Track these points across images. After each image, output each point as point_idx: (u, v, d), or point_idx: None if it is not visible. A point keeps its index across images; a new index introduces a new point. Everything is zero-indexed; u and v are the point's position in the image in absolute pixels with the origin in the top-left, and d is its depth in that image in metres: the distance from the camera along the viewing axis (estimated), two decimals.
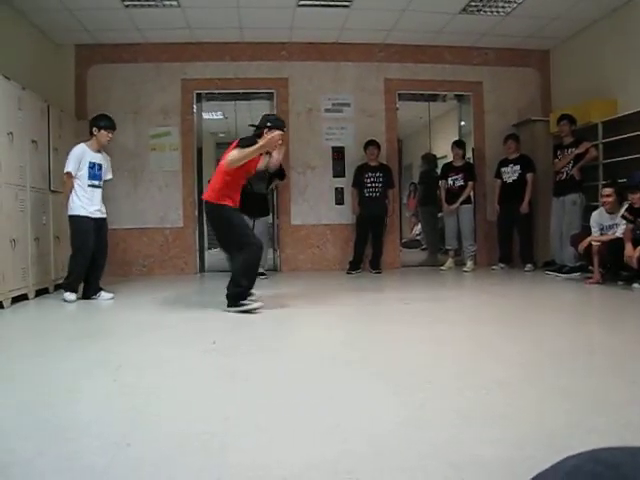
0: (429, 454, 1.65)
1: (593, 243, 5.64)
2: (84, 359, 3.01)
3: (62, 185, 5.41)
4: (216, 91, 7.90)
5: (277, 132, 4.40)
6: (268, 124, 4.47)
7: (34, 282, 5.39)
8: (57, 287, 5.72)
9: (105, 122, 5.31)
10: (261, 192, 6.80)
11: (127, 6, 6.31)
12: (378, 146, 7.41)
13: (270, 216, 7.35)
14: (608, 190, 5.67)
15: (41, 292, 5.54)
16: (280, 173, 6.98)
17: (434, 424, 1.90)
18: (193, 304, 5.09)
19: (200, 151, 7.91)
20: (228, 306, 4.37)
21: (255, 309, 4.31)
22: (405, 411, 2.04)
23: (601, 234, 5.74)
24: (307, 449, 1.71)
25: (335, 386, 2.41)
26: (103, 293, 5.33)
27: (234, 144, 4.43)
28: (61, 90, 7.23)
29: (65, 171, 5.17)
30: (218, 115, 10.00)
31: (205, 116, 8.53)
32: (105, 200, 5.46)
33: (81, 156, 5.18)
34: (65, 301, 5.11)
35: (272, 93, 7.87)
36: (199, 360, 2.93)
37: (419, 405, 2.10)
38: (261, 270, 6.79)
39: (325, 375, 2.59)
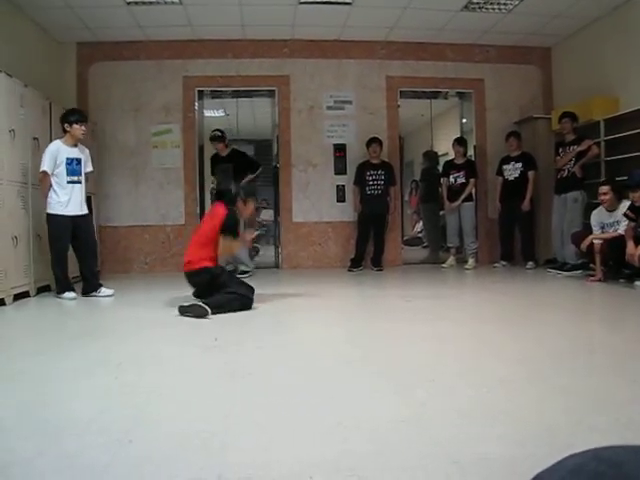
0: (431, 452, 1.65)
1: (595, 241, 5.64)
2: (85, 357, 3.01)
3: (39, 184, 5.27)
4: (218, 88, 7.90)
5: (251, 206, 4.79)
6: (241, 197, 4.74)
7: (36, 279, 5.40)
8: None
9: (75, 116, 5.23)
10: (228, 189, 6.73)
11: (129, 3, 6.30)
12: (380, 143, 7.41)
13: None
14: (605, 188, 5.67)
15: (43, 289, 5.55)
16: (252, 165, 6.98)
17: (435, 422, 1.90)
18: (194, 301, 5.09)
19: (202, 148, 7.91)
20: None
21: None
22: (406, 409, 2.04)
23: (602, 232, 5.73)
24: (308, 448, 1.71)
25: (336, 384, 2.41)
26: (103, 289, 5.32)
27: (220, 215, 4.51)
28: (63, 88, 7.24)
29: (40, 170, 5.07)
30: (220, 112, 10.00)
31: (207, 113, 8.53)
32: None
33: (56, 153, 5.10)
34: (66, 299, 5.11)
35: (274, 90, 7.86)
36: (200, 358, 2.94)
37: (420, 403, 2.10)
38: (245, 268, 6.76)
39: (326, 373, 2.59)
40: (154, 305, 4.79)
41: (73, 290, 5.24)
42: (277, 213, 8.04)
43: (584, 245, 5.75)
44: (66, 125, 5.19)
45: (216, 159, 7.13)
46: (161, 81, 7.64)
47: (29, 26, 6.52)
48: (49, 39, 7.11)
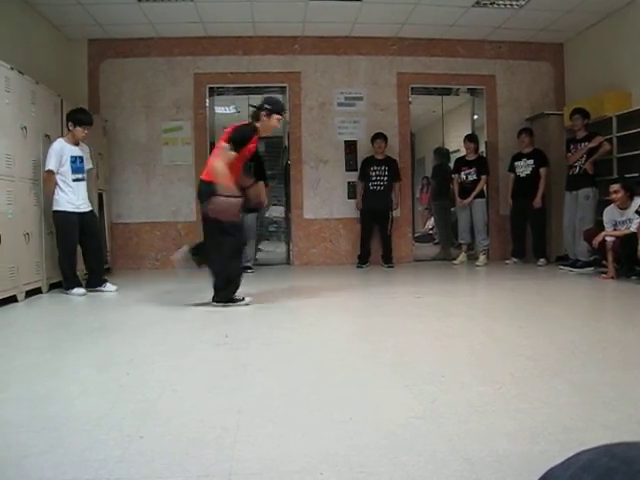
0: (442, 448, 1.64)
1: (607, 238, 5.60)
2: (96, 353, 3.03)
3: (43, 184, 5.29)
4: (228, 85, 7.90)
5: (275, 117, 4.34)
6: (266, 107, 4.35)
7: (48, 276, 5.43)
8: None
9: (80, 117, 5.28)
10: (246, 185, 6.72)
11: (140, 0, 6.32)
12: (385, 139, 7.39)
13: (256, 212, 6.92)
14: (615, 186, 5.64)
15: (55, 286, 5.59)
16: (264, 174, 6.86)
17: (446, 418, 1.89)
18: (205, 297, 5.11)
19: (212, 145, 7.90)
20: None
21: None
22: (418, 405, 2.04)
23: (615, 230, 5.69)
24: (319, 443, 1.71)
25: (347, 380, 2.40)
26: (108, 284, 5.42)
27: (229, 130, 4.30)
28: (74, 84, 7.27)
29: (46, 169, 5.14)
30: (230, 109, 10.01)
31: (217, 110, 8.53)
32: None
33: (61, 152, 5.16)
34: (76, 295, 5.16)
35: (285, 87, 7.85)
36: (211, 353, 2.95)
37: (432, 399, 2.09)
38: (248, 264, 6.80)
39: (337, 368, 2.59)
40: (165, 301, 4.81)
41: (82, 286, 5.30)
42: (288, 210, 8.04)
43: (596, 242, 5.71)
44: (70, 124, 5.25)
45: None
46: (172, 78, 7.66)
47: (40, 23, 6.55)
48: (60, 36, 7.15)
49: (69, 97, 6.34)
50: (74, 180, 5.22)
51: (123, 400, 2.17)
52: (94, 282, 5.40)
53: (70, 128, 5.25)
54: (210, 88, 7.81)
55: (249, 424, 1.88)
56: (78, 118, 5.26)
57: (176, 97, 7.66)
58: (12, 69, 4.88)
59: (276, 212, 9.61)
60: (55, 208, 5.19)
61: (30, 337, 3.63)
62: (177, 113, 7.67)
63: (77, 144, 5.31)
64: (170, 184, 7.65)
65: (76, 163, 5.25)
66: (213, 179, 4.19)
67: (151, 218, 7.62)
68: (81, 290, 5.22)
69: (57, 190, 5.16)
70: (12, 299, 4.76)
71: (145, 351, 3.01)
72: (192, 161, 7.67)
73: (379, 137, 7.34)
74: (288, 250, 8.04)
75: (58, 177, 5.15)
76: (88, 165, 5.48)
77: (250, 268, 6.81)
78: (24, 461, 1.60)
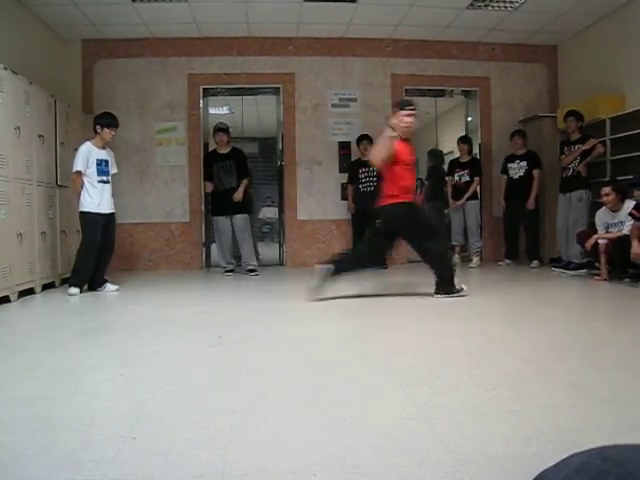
0: (436, 449, 1.65)
1: (600, 241, 5.63)
2: (91, 353, 3.02)
3: (71, 184, 5.52)
4: (223, 86, 7.89)
5: (402, 112, 4.57)
6: (401, 105, 4.66)
7: (41, 276, 5.42)
8: (64, 281, 5.74)
9: (108, 120, 5.44)
10: (232, 187, 6.76)
11: (134, 0, 6.30)
12: (371, 141, 7.40)
13: (247, 214, 7.02)
14: (606, 189, 5.67)
15: (48, 286, 5.57)
16: (246, 170, 6.90)
17: (441, 419, 1.90)
18: (199, 298, 5.11)
19: (206, 146, 7.91)
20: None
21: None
22: (412, 406, 2.04)
23: (607, 232, 5.72)
24: (313, 444, 1.71)
25: (341, 380, 2.40)
26: (108, 285, 5.46)
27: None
28: (68, 85, 7.25)
29: (74, 170, 5.29)
30: (224, 110, 10.01)
31: (211, 111, 8.54)
32: (112, 194, 5.54)
33: (88, 154, 5.31)
34: (69, 295, 5.16)
35: (279, 88, 7.86)
36: (206, 354, 2.94)
37: (426, 400, 2.09)
38: (252, 267, 6.80)
39: (331, 369, 2.60)
40: (159, 302, 4.80)
41: (82, 289, 5.31)
42: (281, 211, 8.04)
43: (588, 245, 5.74)
44: (98, 127, 5.39)
45: (213, 157, 7.02)
46: (166, 78, 7.65)
47: (34, 23, 6.53)
48: (54, 36, 7.12)
49: (63, 97, 6.33)
50: (99, 182, 5.35)
51: (117, 401, 2.17)
52: (94, 284, 5.44)
53: (98, 131, 5.39)
54: (204, 89, 7.80)
55: (243, 425, 1.87)
56: (106, 121, 5.41)
57: (170, 98, 7.65)
58: (6, 69, 4.86)
59: (270, 213, 9.62)
60: (82, 209, 5.34)
61: (23, 337, 3.61)
62: (171, 114, 7.66)
63: (104, 148, 5.45)
64: (164, 185, 7.64)
65: (102, 166, 5.40)
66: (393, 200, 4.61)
67: (145, 219, 7.61)
68: (76, 290, 5.22)
69: (83, 192, 5.31)
70: (5, 299, 4.75)
71: (139, 351, 3.00)
72: (186, 162, 7.66)
73: (365, 139, 7.28)
74: (281, 251, 8.04)
75: (85, 179, 5.30)
76: (113, 170, 5.60)
77: (254, 270, 6.81)
78: (17, 462, 1.59)
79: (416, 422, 1.88)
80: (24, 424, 1.91)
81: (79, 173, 5.28)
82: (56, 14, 6.56)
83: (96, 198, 5.32)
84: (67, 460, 1.60)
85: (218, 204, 6.89)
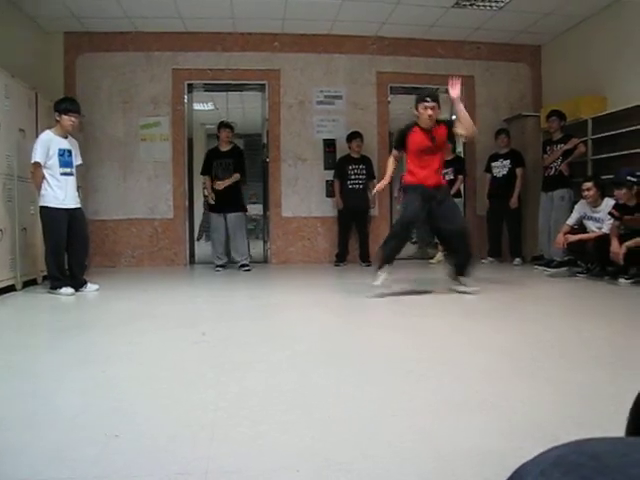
0: (418, 445, 1.66)
1: (570, 237, 5.75)
2: (72, 350, 3.00)
3: (31, 176, 5.09)
4: (207, 82, 7.86)
5: (420, 105, 4.94)
6: (419, 99, 5.01)
7: (22, 273, 5.35)
8: (45, 278, 5.64)
9: (65, 105, 5.04)
10: (228, 185, 6.81)
11: None
12: (362, 138, 7.42)
13: (242, 212, 7.03)
14: (588, 184, 5.74)
15: (29, 283, 5.51)
16: (243, 169, 6.93)
17: (423, 415, 1.91)
18: (182, 295, 5.09)
19: (190, 142, 7.88)
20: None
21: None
22: (395, 402, 2.05)
23: (582, 222, 5.82)
24: (296, 441, 1.71)
25: (326, 378, 2.41)
26: (89, 285, 5.18)
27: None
28: (50, 78, 7.16)
29: (33, 161, 4.87)
30: (209, 106, 9.96)
31: (196, 107, 8.48)
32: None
33: (48, 143, 4.91)
34: (62, 295, 4.95)
35: (264, 85, 7.84)
36: (188, 351, 2.93)
37: (409, 396, 2.11)
38: (244, 262, 6.83)
39: (315, 366, 2.60)
40: (142, 299, 4.78)
41: (69, 285, 5.02)
42: (266, 208, 8.02)
43: (558, 245, 5.86)
44: (56, 114, 5.01)
45: (214, 154, 7.03)
46: (150, 73, 7.59)
47: (15, 15, 6.45)
48: (36, 28, 7.04)
49: (45, 92, 6.24)
50: (62, 174, 4.96)
51: (99, 398, 2.15)
52: (76, 285, 5.08)
53: (57, 119, 4.99)
54: (189, 84, 7.76)
55: (226, 422, 1.87)
56: (63, 106, 5.01)
57: (154, 93, 7.60)
58: None
59: (254, 210, 9.59)
60: (42, 204, 4.94)
61: (4, 336, 3.57)
62: (155, 109, 7.61)
63: (66, 137, 5.07)
64: (147, 180, 7.59)
65: (64, 156, 4.99)
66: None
67: (128, 215, 7.55)
68: (69, 290, 4.96)
69: (44, 185, 4.90)
70: None
71: (121, 349, 2.99)
72: (170, 157, 7.62)
73: (357, 136, 7.35)
74: (265, 248, 8.03)
75: (45, 171, 4.90)
76: (78, 161, 5.21)
77: (246, 265, 6.83)
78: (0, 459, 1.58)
79: (399, 418, 1.89)
80: (3, 423, 1.89)
81: (38, 164, 4.85)
82: (37, 5, 6.47)
83: (59, 192, 4.91)
84: (49, 459, 1.59)
85: (214, 201, 6.88)
